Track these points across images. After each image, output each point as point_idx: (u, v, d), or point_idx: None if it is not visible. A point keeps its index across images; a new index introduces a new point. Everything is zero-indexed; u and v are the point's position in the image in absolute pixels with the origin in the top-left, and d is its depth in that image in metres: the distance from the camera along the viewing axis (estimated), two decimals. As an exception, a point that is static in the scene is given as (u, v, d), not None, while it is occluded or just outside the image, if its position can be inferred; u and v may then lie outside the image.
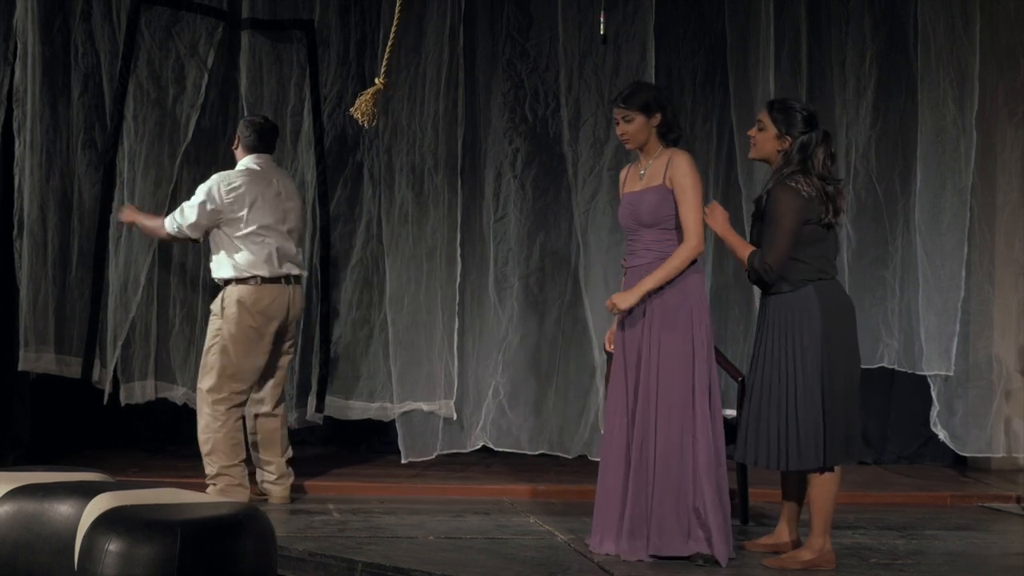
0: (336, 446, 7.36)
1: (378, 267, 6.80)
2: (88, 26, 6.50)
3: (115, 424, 7.08)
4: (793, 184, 4.68)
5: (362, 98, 5.40)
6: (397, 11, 5.37)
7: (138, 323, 6.50)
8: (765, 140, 4.80)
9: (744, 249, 4.77)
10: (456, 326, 6.75)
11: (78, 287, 6.48)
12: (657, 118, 4.84)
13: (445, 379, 6.73)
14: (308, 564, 4.63)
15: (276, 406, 5.89)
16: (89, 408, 6.80)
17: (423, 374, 6.72)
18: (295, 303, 5.79)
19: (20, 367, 6.35)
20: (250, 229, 5.67)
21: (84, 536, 3.09)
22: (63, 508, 3.27)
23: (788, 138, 4.74)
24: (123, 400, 6.50)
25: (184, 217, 5.72)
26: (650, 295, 4.75)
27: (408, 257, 6.74)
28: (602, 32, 6.29)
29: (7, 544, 3.30)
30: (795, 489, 4.93)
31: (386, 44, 6.52)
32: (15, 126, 6.35)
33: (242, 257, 5.67)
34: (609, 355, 5.02)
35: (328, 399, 6.69)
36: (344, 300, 6.78)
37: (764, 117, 4.82)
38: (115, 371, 6.47)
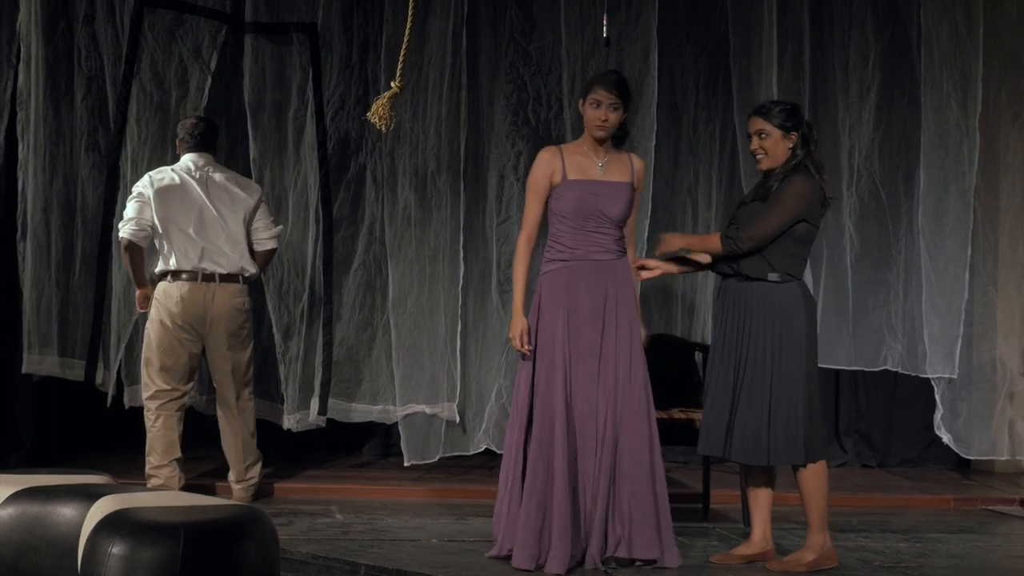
0: (338, 449, 7.36)
1: (381, 270, 6.80)
2: (91, 29, 6.51)
3: (118, 427, 7.07)
4: (808, 177, 4.74)
5: (378, 102, 5.39)
6: (410, 13, 5.36)
7: (141, 325, 6.50)
8: (775, 144, 4.77)
9: (708, 238, 4.82)
10: (459, 329, 6.74)
11: (81, 290, 6.48)
12: (623, 115, 4.83)
13: (448, 382, 6.73)
14: (311, 567, 4.63)
15: (234, 401, 5.84)
16: (92, 411, 6.80)
17: (426, 377, 6.72)
18: (217, 301, 5.70)
19: (23, 370, 6.35)
20: (168, 225, 5.70)
21: (87, 539, 3.09)
22: (66, 511, 3.27)
23: (794, 134, 4.76)
24: (126, 403, 6.50)
25: (124, 218, 5.76)
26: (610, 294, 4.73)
27: (411, 260, 6.74)
28: (605, 35, 6.28)
29: (10, 547, 3.30)
30: (765, 492, 4.85)
31: (390, 46, 6.58)
32: (19, 129, 6.36)
33: (159, 256, 5.74)
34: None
35: (331, 402, 6.69)
36: (347, 303, 6.78)
37: (762, 124, 4.80)
38: (118, 373, 6.47)
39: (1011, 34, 7.13)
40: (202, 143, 5.89)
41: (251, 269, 5.86)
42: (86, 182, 6.51)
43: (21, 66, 6.35)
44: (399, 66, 5.36)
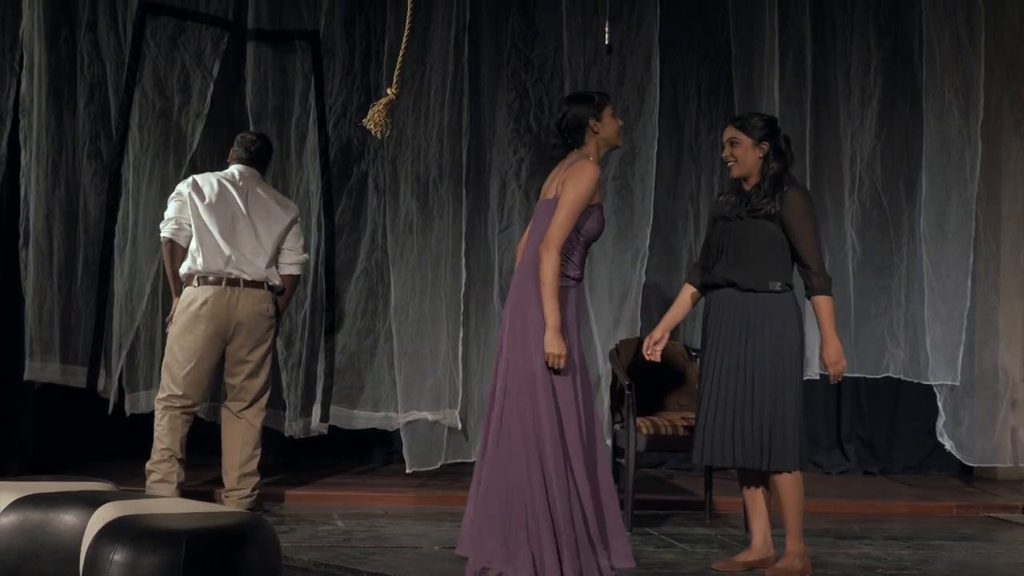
0: (341, 456, 7.35)
1: (383, 277, 6.80)
2: (94, 36, 6.52)
3: (120, 433, 7.08)
4: (799, 186, 4.84)
5: (375, 108, 5.39)
6: (408, 21, 5.36)
7: (143, 332, 6.51)
8: (745, 152, 4.84)
9: (820, 311, 4.71)
10: (461, 335, 6.75)
11: (83, 297, 6.49)
12: None
13: (450, 389, 6.73)
14: (312, 574, 4.63)
15: (243, 409, 5.78)
16: (94, 418, 6.80)
17: (428, 384, 6.72)
18: (242, 305, 5.66)
19: (26, 377, 6.35)
20: (200, 227, 5.68)
21: (89, 546, 3.09)
22: (68, 518, 3.27)
23: (765, 144, 4.82)
24: (128, 410, 6.50)
25: (165, 217, 5.76)
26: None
27: (413, 267, 6.75)
28: (607, 42, 6.29)
29: (12, 554, 3.30)
30: (764, 497, 4.90)
31: (392, 54, 6.59)
32: (21, 136, 6.37)
33: (188, 257, 5.71)
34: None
35: (333, 409, 6.69)
36: (349, 310, 6.78)
37: (734, 133, 4.88)
38: (120, 380, 6.47)
39: (1013, 41, 7.14)
40: (254, 159, 5.91)
41: (275, 280, 5.83)
42: (88, 189, 6.51)
43: (24, 73, 6.36)
44: (396, 73, 5.37)
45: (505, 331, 4.48)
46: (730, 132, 4.90)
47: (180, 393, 5.67)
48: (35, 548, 3.28)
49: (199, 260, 5.66)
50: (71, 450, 6.88)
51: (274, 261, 5.82)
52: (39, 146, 6.38)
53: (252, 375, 5.78)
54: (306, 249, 6.06)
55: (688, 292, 5.03)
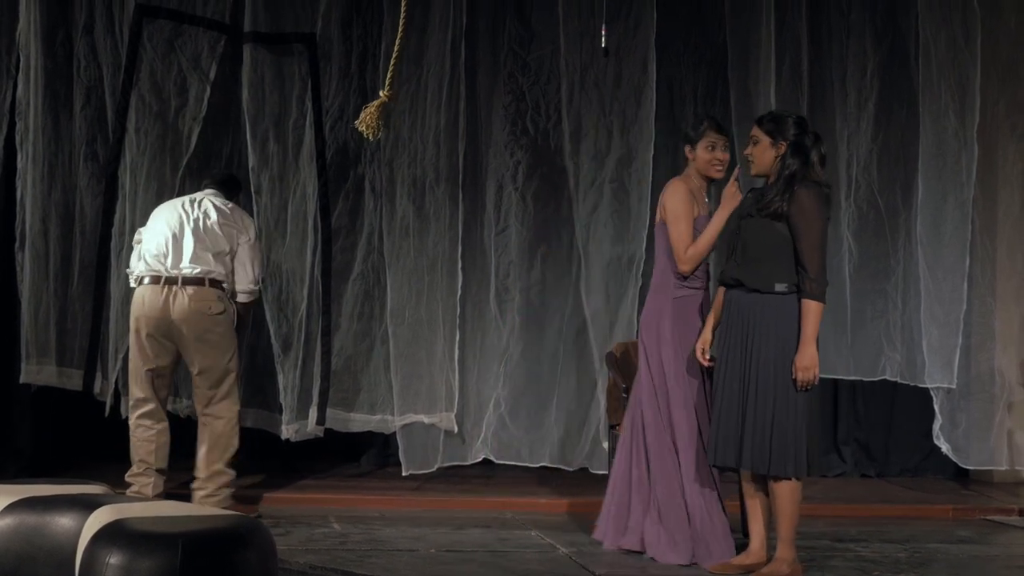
0: (337, 459, 7.35)
1: (379, 280, 6.80)
2: (91, 39, 6.52)
3: (116, 436, 7.05)
4: (813, 186, 4.76)
5: (367, 111, 5.40)
6: (401, 24, 5.37)
7: (139, 336, 6.50)
8: (761, 152, 4.86)
9: (807, 315, 4.70)
10: (457, 338, 6.74)
11: (79, 299, 6.49)
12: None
13: (446, 391, 6.73)
14: (309, 577, 4.63)
15: (203, 411, 5.76)
16: (90, 420, 6.80)
17: (424, 386, 6.72)
18: (178, 304, 5.62)
19: (22, 379, 6.36)
20: (142, 236, 5.79)
21: (85, 549, 3.08)
22: (64, 521, 3.27)
23: (783, 143, 4.81)
24: (124, 412, 6.49)
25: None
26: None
27: (409, 270, 6.75)
28: (603, 45, 6.30)
29: (8, 557, 3.30)
30: (763, 502, 4.88)
31: (388, 57, 6.57)
32: (17, 139, 6.38)
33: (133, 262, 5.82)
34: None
35: (329, 411, 6.68)
36: (345, 313, 6.78)
37: (755, 131, 4.91)
38: (116, 383, 6.46)
39: (1009, 45, 7.15)
40: (219, 182, 6.02)
41: (223, 277, 5.74)
42: (84, 192, 6.51)
43: (20, 76, 6.37)
44: (388, 76, 5.38)
45: (644, 346, 5.16)
46: (752, 130, 4.94)
47: (141, 396, 5.72)
48: (31, 551, 3.28)
49: (138, 263, 5.74)
50: (68, 453, 6.88)
51: (223, 263, 5.75)
52: (35, 149, 6.38)
53: (203, 372, 5.71)
54: (258, 282, 5.96)
55: (720, 291, 5.04)
